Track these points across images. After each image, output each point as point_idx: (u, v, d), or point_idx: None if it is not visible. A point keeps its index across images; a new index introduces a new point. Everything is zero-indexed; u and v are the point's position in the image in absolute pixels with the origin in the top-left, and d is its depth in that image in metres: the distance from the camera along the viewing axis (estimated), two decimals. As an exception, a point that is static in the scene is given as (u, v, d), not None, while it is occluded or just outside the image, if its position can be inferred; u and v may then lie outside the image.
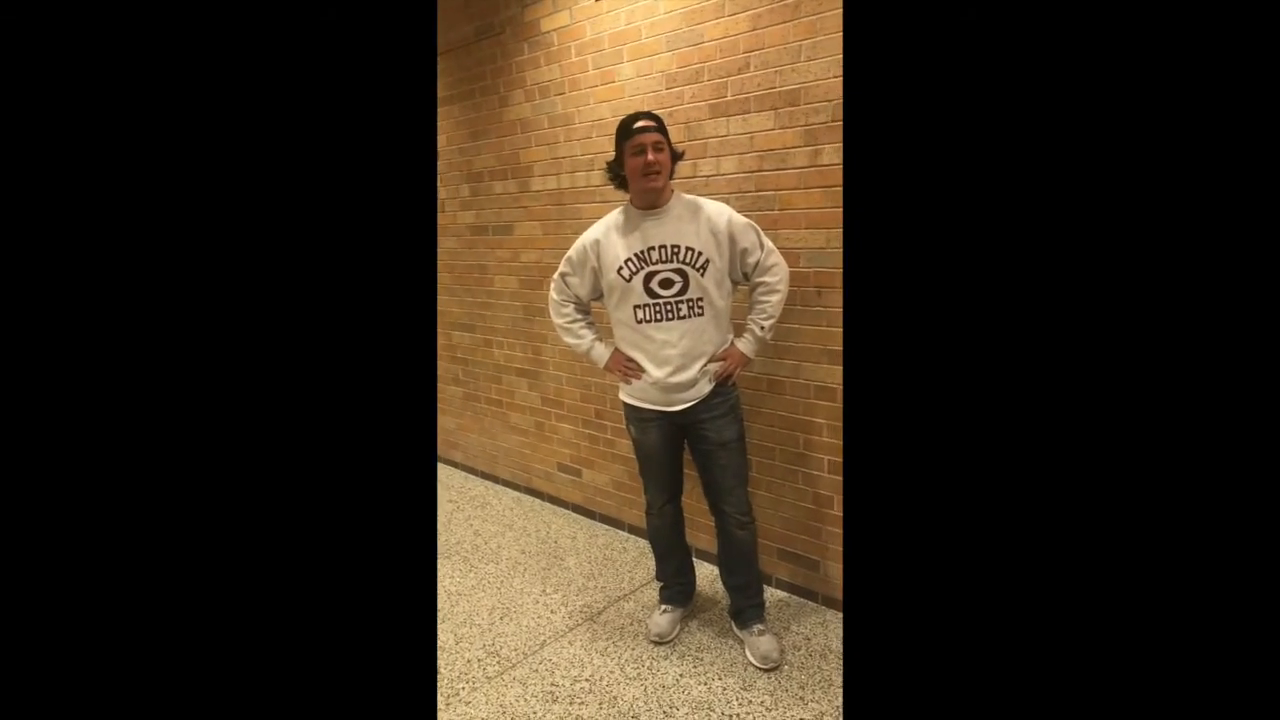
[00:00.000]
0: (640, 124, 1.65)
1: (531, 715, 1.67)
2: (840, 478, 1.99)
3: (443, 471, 3.43)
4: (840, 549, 2.03)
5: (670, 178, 1.71)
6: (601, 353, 1.85)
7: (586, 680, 1.80)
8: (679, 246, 1.68)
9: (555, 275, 1.88)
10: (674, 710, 1.67)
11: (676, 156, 1.72)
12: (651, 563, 2.11)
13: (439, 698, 1.75)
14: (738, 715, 1.65)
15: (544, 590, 2.26)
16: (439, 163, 3.12)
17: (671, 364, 1.73)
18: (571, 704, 1.71)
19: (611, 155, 1.76)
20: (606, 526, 2.73)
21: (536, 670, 1.85)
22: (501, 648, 1.95)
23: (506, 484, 3.18)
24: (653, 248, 1.69)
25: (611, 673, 1.83)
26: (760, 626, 1.89)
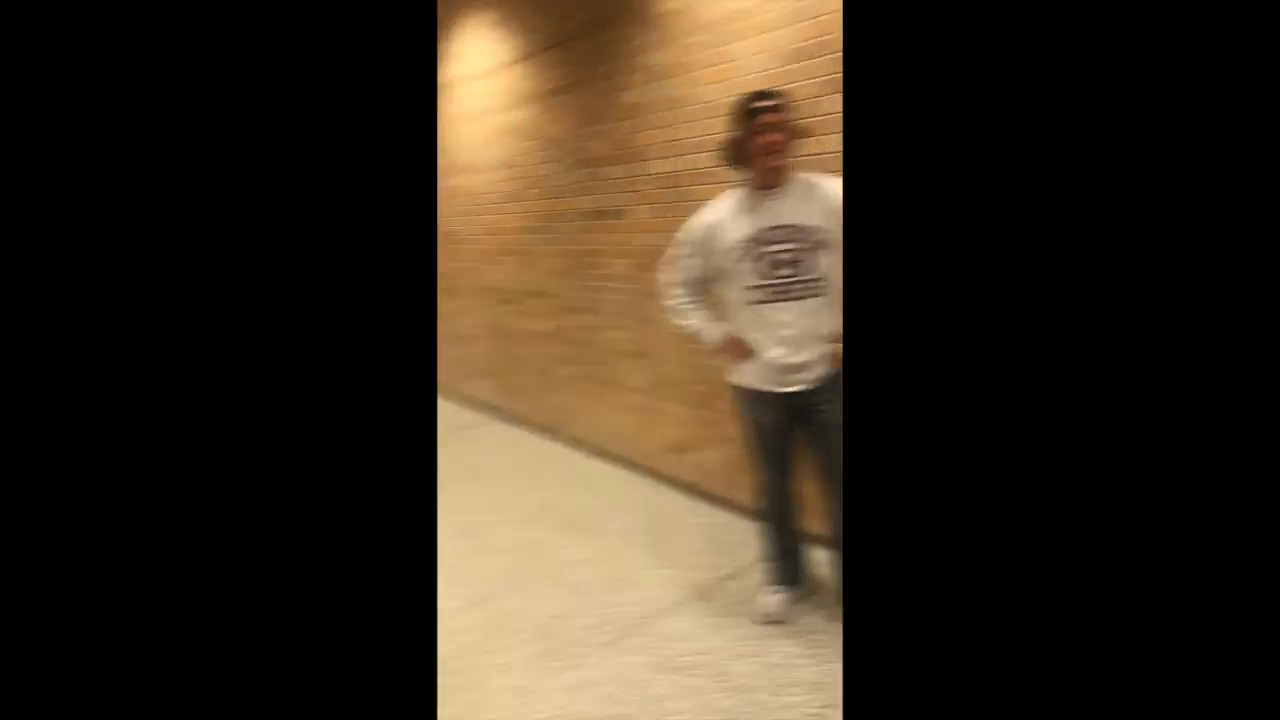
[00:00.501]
0: (765, 103, 1.64)
1: (646, 683, 1.74)
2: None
3: (554, 449, 3.56)
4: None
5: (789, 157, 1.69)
6: (713, 334, 1.86)
7: (698, 654, 1.84)
8: (796, 226, 1.66)
9: (669, 257, 1.91)
10: (787, 688, 1.68)
11: (798, 136, 1.70)
12: (761, 543, 2.12)
13: (557, 660, 1.84)
14: (851, 699, 1.64)
15: (653, 565, 2.32)
16: (554, 150, 3.22)
17: (788, 345, 1.72)
18: (684, 674, 1.75)
19: (723, 136, 1.76)
20: (716, 507, 2.76)
21: (648, 641, 1.91)
22: (614, 617, 2.03)
23: (617, 461, 3.28)
24: (770, 228, 1.68)
25: (723, 648, 1.86)
26: (875, 613, 1.85)
